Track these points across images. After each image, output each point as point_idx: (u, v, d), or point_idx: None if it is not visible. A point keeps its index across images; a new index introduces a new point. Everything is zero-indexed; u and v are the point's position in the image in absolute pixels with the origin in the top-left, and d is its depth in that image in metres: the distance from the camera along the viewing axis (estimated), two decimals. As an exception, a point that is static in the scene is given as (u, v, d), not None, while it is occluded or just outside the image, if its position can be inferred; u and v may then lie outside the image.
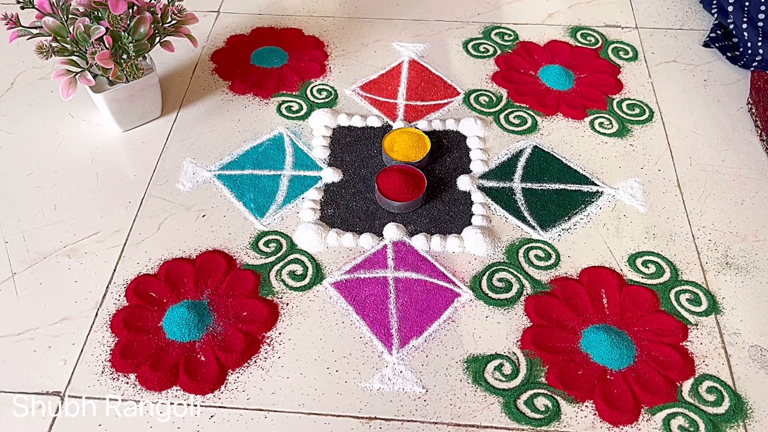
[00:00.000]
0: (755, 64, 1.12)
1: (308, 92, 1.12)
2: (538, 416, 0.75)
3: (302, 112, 1.09)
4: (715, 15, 1.20)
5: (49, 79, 0.99)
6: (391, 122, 1.07)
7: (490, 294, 0.86)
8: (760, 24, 1.09)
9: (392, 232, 0.92)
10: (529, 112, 1.09)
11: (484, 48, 1.20)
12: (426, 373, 0.79)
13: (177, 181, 0.99)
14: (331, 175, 0.99)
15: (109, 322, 0.83)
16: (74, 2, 0.92)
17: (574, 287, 0.87)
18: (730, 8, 1.15)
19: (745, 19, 1.12)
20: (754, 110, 1.07)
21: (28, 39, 0.93)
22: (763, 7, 1.08)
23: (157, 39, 0.98)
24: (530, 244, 0.91)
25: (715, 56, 1.18)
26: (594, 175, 1.00)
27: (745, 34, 1.12)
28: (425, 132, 1.03)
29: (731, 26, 1.15)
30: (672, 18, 1.27)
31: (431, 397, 0.77)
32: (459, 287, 0.87)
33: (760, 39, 1.10)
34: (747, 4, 1.11)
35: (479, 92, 1.12)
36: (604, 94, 1.12)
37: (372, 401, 0.77)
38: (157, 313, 0.83)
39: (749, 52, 1.13)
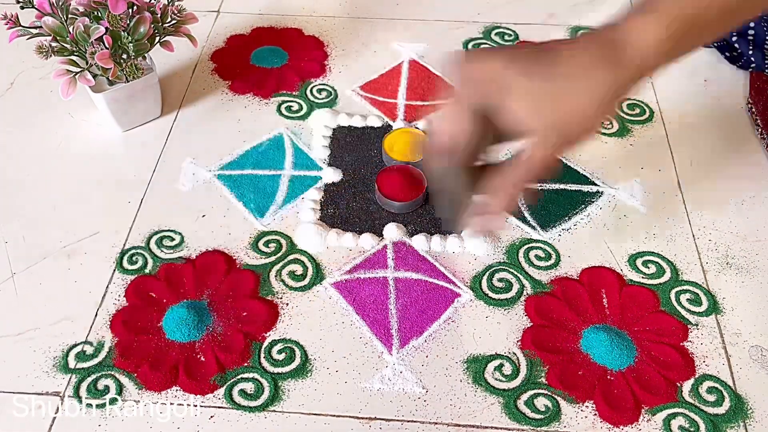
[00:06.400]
0: (750, 69, 1.13)
1: (308, 92, 1.12)
2: (538, 416, 0.75)
3: (302, 112, 1.09)
4: None
5: (49, 79, 0.99)
6: (391, 122, 1.07)
7: (490, 294, 0.86)
8: (750, 37, 1.10)
9: (392, 232, 0.92)
10: (529, 112, 1.09)
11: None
12: (426, 373, 0.79)
13: (177, 181, 0.99)
14: (331, 175, 0.99)
15: (109, 322, 0.83)
16: (74, 2, 0.92)
17: (574, 287, 0.87)
18: None
19: (734, 33, 1.12)
20: (753, 110, 1.07)
21: (28, 39, 0.92)
22: (752, 23, 1.08)
23: (157, 39, 0.98)
24: (530, 244, 0.91)
25: (715, 56, 1.18)
26: (594, 175, 1.00)
27: (736, 45, 1.13)
28: (425, 132, 1.03)
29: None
30: (672, 18, 1.26)
31: (431, 398, 0.77)
32: (459, 287, 0.87)
33: (751, 48, 1.10)
34: None
35: (479, 92, 1.12)
36: (604, 94, 1.12)
37: (372, 401, 0.76)
38: (156, 314, 0.83)
39: (743, 58, 1.13)
